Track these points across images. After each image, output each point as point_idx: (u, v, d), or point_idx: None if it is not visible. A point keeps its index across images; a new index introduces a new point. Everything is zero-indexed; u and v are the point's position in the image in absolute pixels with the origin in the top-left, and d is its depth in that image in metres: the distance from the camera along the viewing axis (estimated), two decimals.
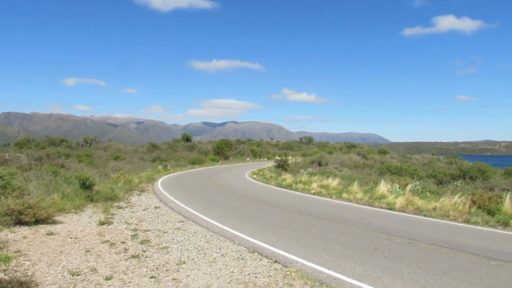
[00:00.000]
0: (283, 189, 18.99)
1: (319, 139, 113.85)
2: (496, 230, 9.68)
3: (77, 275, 5.93)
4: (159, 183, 20.40)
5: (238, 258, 7.09)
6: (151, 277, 5.92)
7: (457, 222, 10.68)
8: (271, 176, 24.38)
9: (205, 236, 8.83)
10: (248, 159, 49.00)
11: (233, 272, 6.28)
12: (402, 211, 12.43)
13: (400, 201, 13.18)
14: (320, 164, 27.71)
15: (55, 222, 9.75)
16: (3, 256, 6.51)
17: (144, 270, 6.27)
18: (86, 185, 13.59)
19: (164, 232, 9.09)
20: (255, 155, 52.28)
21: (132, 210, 12.20)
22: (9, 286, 5.09)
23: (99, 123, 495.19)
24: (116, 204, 12.93)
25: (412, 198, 13.50)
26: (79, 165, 22.12)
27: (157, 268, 6.38)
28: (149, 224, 10.08)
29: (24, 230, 8.77)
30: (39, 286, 5.42)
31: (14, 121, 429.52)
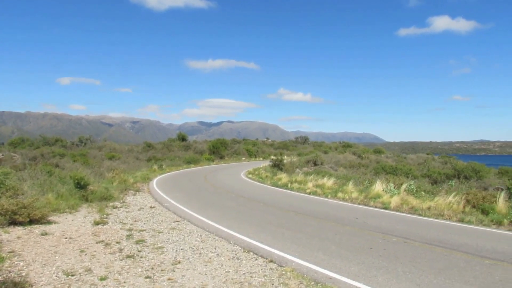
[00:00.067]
0: (279, 189, 18.99)
1: (314, 139, 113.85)
2: (490, 229, 9.76)
3: (72, 275, 5.90)
4: (154, 183, 20.33)
5: (233, 257, 7.09)
6: (146, 277, 5.91)
7: (452, 221, 10.75)
8: (266, 176, 24.38)
9: (201, 235, 8.82)
10: (243, 158, 48.95)
11: (229, 271, 6.28)
12: (397, 211, 12.48)
13: (395, 201, 13.24)
14: (315, 164, 27.75)
15: (49, 222, 9.69)
16: None
17: (139, 270, 6.26)
18: (80, 185, 13.52)
19: (159, 232, 9.06)
20: (251, 154, 52.22)
21: (127, 210, 12.15)
22: (3, 286, 5.06)
23: (94, 123, 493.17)
24: (111, 204, 12.87)
25: (407, 197, 13.57)
26: (73, 164, 21.97)
27: (152, 268, 6.36)
28: (144, 224, 10.05)
29: (18, 230, 8.71)
30: (34, 287, 5.39)
31: (8, 121, 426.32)
